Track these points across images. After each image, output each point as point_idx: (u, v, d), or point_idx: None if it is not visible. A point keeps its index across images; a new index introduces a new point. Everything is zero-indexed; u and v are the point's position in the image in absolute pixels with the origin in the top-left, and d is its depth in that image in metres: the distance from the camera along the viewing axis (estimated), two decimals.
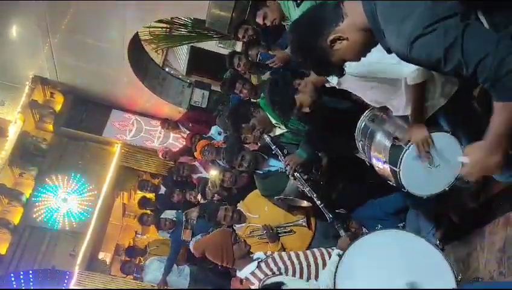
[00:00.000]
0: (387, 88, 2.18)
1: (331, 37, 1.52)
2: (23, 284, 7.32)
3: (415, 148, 2.10)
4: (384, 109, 2.40)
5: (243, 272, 3.04)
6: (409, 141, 2.11)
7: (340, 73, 1.67)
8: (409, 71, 1.90)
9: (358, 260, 2.30)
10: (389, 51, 1.52)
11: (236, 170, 3.74)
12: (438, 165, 2.12)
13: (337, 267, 2.31)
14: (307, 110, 2.65)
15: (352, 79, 2.17)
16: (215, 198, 4.64)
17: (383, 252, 2.29)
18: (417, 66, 1.73)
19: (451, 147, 2.10)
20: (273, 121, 3.14)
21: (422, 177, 2.16)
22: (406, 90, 2.07)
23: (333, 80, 2.41)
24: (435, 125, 2.16)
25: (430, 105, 2.14)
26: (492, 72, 1.29)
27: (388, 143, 2.23)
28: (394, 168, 2.15)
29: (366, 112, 2.53)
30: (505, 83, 1.29)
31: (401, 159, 2.12)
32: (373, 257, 2.30)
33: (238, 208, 3.68)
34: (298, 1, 3.10)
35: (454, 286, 2.09)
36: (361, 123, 2.52)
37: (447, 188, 2.18)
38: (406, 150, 2.12)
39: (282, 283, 2.71)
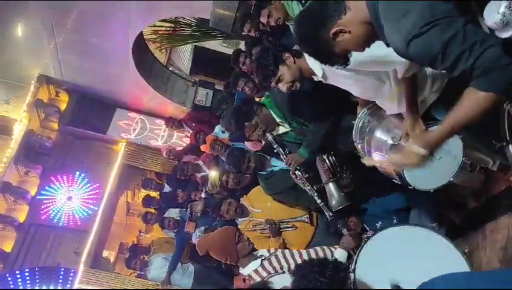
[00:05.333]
0: (373, 82, 2.19)
1: (333, 30, 1.56)
2: (28, 282, 7.36)
3: None
4: (379, 108, 2.41)
5: (246, 270, 3.06)
6: (407, 135, 2.08)
7: (345, 62, 1.71)
8: (398, 65, 1.91)
9: (378, 254, 2.36)
10: (387, 45, 1.56)
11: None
12: (439, 157, 2.13)
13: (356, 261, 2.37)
14: (283, 88, 2.58)
15: (337, 73, 2.18)
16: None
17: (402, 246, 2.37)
18: (405, 60, 1.75)
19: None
20: (277, 120, 3.15)
21: (426, 172, 2.10)
22: (394, 82, 2.08)
23: (319, 74, 2.42)
24: (430, 119, 2.17)
25: (423, 101, 2.15)
26: (492, 62, 1.31)
27: (388, 141, 2.22)
28: None
29: (362, 112, 2.53)
30: (499, 75, 1.32)
31: None
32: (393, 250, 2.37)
33: (241, 202, 3.72)
34: (303, 1, 3.12)
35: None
36: (358, 123, 2.53)
37: (452, 179, 2.19)
38: None
39: (270, 282, 2.74)
